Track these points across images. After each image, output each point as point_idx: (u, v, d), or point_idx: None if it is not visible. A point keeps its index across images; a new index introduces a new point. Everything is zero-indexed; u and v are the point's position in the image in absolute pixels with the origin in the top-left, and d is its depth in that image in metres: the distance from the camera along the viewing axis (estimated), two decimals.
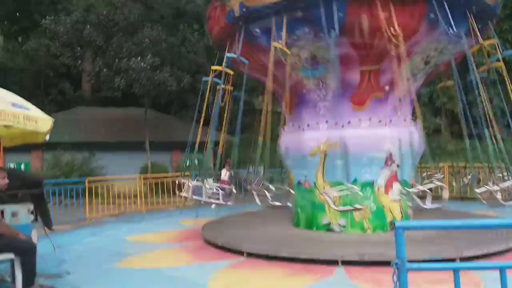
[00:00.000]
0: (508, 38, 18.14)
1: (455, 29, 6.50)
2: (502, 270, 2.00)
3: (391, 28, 6.20)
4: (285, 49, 6.62)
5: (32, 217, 5.44)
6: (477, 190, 6.51)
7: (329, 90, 7.42)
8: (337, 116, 7.29)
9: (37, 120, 4.64)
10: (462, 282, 4.44)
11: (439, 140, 16.21)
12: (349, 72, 7.12)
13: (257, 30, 7.08)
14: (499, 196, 6.25)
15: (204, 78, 8.20)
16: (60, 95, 24.27)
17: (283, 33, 6.60)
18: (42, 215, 5.73)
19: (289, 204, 8.00)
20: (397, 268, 1.96)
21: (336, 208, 6.65)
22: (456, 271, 2.01)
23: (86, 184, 10.64)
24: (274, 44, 6.57)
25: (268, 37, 6.86)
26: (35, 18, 22.64)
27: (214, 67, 7.63)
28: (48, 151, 16.89)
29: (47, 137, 5.20)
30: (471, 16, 6.78)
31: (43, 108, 5.14)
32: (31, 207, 5.42)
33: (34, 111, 4.79)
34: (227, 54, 7.35)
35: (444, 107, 15.75)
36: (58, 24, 17.13)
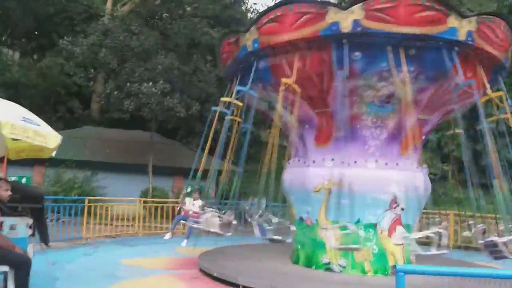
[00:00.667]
0: None
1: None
2: None
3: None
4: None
5: (30, 231, 5.40)
6: (481, 241, 6.40)
7: (385, 130, 7.33)
8: (387, 157, 7.18)
9: (46, 136, 4.67)
10: None
11: (445, 187, 16.14)
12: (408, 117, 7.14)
13: (357, 53, 6.56)
14: (503, 248, 6.12)
15: (214, 108, 8.22)
16: (69, 113, 24.53)
17: (403, 67, 6.26)
18: (40, 230, 5.68)
19: (289, 240, 7.79)
20: None
21: (336, 246, 6.52)
22: None
23: (86, 204, 10.57)
24: (404, 75, 6.26)
25: (366, 63, 6.63)
26: (52, 37, 23.25)
27: (223, 99, 7.52)
28: (51, 167, 16.91)
29: (53, 153, 5.22)
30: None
31: (50, 125, 5.16)
32: (30, 221, 5.39)
33: (44, 127, 4.83)
34: (238, 88, 7.20)
35: (451, 154, 15.81)
36: (75, 45, 17.54)
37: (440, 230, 6.28)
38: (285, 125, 8.19)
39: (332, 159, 7.37)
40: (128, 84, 16.35)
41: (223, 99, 7.53)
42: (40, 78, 21.77)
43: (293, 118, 7.77)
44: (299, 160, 8.03)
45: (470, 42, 6.40)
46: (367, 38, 6.38)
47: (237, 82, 7.83)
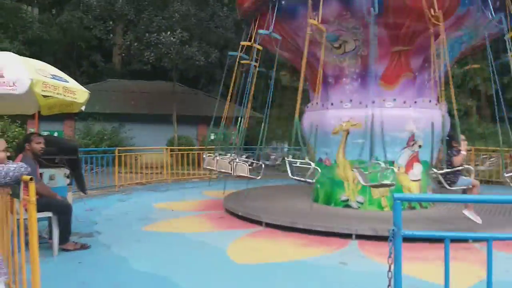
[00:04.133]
0: None
1: (493, 13, 6.39)
2: (489, 240, 2.16)
3: (431, 9, 6.15)
4: (320, 26, 6.47)
5: (67, 180, 5.88)
6: (506, 174, 6.48)
7: (360, 70, 7.46)
8: (367, 95, 7.23)
9: (75, 92, 4.94)
10: (470, 259, 4.59)
11: (470, 123, 15.92)
12: (380, 52, 7.12)
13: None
14: None
15: (230, 53, 8.28)
16: (92, 67, 24.93)
17: (319, 10, 6.38)
18: (77, 179, 6.17)
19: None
20: (393, 234, 2.16)
21: (367, 184, 6.46)
22: (446, 240, 2.18)
23: (116, 154, 11.14)
24: (311, 21, 6.37)
25: (302, 14, 6.76)
26: None
27: (243, 43, 7.61)
28: (80, 121, 17.62)
29: (83, 108, 5.55)
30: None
31: (75, 79, 5.42)
32: (67, 171, 5.85)
33: (72, 83, 5.09)
34: (260, 31, 7.17)
35: (476, 90, 15.47)
36: None
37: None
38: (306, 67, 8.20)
39: (351, 100, 7.48)
40: (147, 34, 16.41)
41: (243, 43, 7.48)
42: (61, 33, 21.98)
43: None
44: (317, 103, 8.13)
45: None
46: None
47: (256, 25, 7.76)
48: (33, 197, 3.18)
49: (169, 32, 15.94)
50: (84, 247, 5.24)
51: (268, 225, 6.41)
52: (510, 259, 4.69)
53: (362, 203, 7.26)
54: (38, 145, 5.18)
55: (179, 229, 6.42)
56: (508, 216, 6.66)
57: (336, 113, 7.52)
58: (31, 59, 5.15)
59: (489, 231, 5.49)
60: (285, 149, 15.83)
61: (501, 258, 4.64)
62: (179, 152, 13.58)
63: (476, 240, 5.15)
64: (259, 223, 6.55)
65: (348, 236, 5.71)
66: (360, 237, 5.66)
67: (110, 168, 11.06)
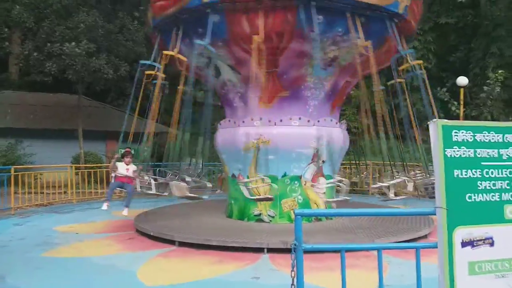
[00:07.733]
0: (431, 48, 19.74)
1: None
2: (379, 250, 2.41)
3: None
4: (180, 56, 7.31)
5: None
6: (373, 186, 7.34)
7: (241, 91, 8.00)
8: (250, 114, 7.78)
9: None
10: (370, 266, 4.99)
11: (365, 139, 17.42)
12: (256, 74, 7.47)
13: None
14: (391, 191, 7.04)
15: (142, 62, 8.22)
16: None
17: (178, 42, 7.35)
18: None
19: (205, 197, 8.02)
20: (294, 249, 2.30)
21: (251, 198, 7.08)
22: (342, 251, 2.39)
23: (12, 173, 10.17)
24: (165, 52, 7.28)
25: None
26: None
27: (147, 72, 7.91)
28: None
29: None
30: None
31: None
32: None
33: None
34: (142, 61, 8.14)
35: (371, 110, 16.98)
36: None
37: (342, 179, 7.10)
38: (221, 85, 8.37)
39: (260, 119, 7.74)
40: (49, 44, 15.34)
41: (166, 52, 7.34)
42: None
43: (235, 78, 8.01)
44: (229, 120, 8.30)
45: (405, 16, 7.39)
46: (163, 26, 7.84)
47: (178, 35, 7.59)
48: None
49: (73, 43, 15.07)
50: None
51: (181, 244, 6.32)
52: (405, 264, 5.10)
53: (273, 217, 7.52)
54: None
55: (84, 253, 6.05)
56: (403, 224, 7.36)
57: (246, 130, 7.73)
58: None
59: (384, 240, 6.05)
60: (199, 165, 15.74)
61: (397, 263, 5.13)
62: (86, 170, 12.82)
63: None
64: (172, 242, 6.43)
65: (260, 250, 5.87)
66: (271, 250, 5.84)
67: (4, 188, 10.05)
